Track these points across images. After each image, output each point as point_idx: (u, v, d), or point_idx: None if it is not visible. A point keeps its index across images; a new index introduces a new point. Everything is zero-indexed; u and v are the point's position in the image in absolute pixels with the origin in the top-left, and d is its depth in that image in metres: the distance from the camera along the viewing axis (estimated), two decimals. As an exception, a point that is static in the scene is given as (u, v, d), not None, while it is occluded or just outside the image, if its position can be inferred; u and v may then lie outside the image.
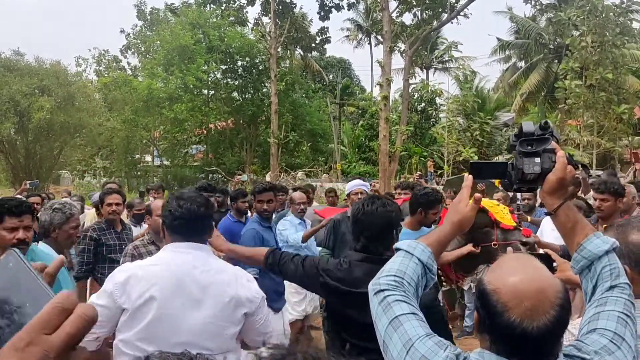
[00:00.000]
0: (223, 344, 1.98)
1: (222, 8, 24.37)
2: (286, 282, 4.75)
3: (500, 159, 19.64)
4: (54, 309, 0.56)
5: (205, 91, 24.01)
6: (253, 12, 78.52)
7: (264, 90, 24.58)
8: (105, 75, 25.19)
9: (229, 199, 6.56)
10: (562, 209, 1.39)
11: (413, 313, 1.28)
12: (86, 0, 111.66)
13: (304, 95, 26.63)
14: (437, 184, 16.05)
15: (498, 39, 27.54)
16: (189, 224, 2.02)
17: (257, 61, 24.14)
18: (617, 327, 1.22)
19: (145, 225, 4.31)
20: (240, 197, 4.94)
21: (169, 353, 0.73)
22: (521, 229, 3.73)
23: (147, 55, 25.76)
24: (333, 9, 22.77)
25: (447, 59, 34.55)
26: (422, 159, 24.10)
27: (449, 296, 5.17)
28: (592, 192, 3.97)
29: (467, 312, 5.46)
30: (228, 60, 23.48)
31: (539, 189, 1.44)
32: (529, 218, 5.18)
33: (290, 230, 4.77)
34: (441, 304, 4.35)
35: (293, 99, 24.52)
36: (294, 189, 6.68)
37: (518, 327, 1.08)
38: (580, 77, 18.04)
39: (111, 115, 24.11)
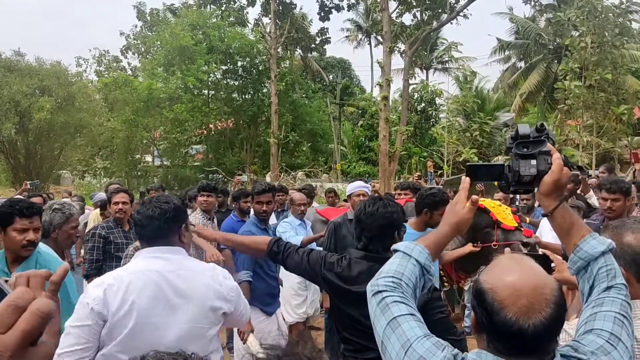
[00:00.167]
0: (205, 346, 1.99)
1: (222, 9, 24.38)
2: (287, 285, 4.77)
3: (500, 159, 19.65)
4: (7, 308, 0.54)
5: (206, 91, 24.02)
6: (253, 12, 78.57)
7: (264, 90, 24.59)
8: (106, 75, 25.17)
9: (229, 198, 6.61)
10: (558, 211, 1.40)
11: (411, 314, 1.29)
12: (86, 0, 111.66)
13: (304, 95, 26.65)
14: (437, 184, 16.05)
15: (498, 39, 27.57)
16: (150, 229, 1.99)
17: (257, 61, 24.14)
18: (614, 327, 1.23)
19: None
20: (242, 197, 4.98)
21: (164, 353, 0.74)
22: (522, 229, 3.72)
23: (147, 56, 25.76)
24: (333, 10, 22.80)
25: (446, 59, 34.56)
26: (422, 159, 24.11)
27: (448, 296, 5.18)
28: (602, 193, 3.93)
29: (466, 312, 5.46)
30: (228, 60, 23.49)
31: (536, 191, 1.46)
32: (527, 219, 5.18)
33: (290, 233, 4.74)
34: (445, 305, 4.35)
35: (293, 99, 24.53)
36: (298, 190, 6.70)
37: (514, 324, 1.10)
38: (579, 77, 18.05)
39: (111, 115, 24.10)
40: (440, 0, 18.56)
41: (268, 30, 22.69)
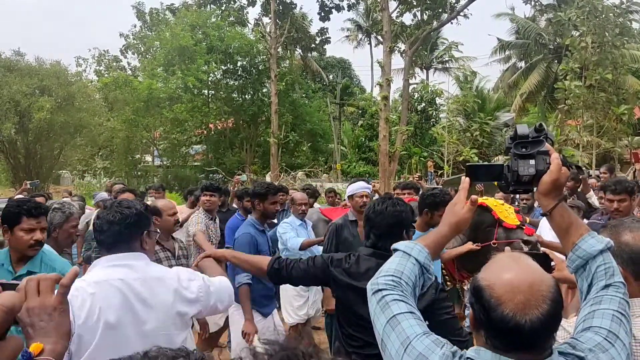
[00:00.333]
0: None
1: (222, 9, 24.39)
2: (288, 286, 4.76)
3: (500, 159, 19.67)
4: None
5: (206, 91, 24.02)
6: (253, 12, 78.60)
7: (264, 90, 24.59)
8: (106, 75, 25.19)
9: (229, 198, 6.62)
10: (557, 210, 1.42)
11: (410, 312, 1.30)
12: (86, 0, 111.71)
13: (304, 95, 26.65)
14: (437, 184, 16.06)
15: (498, 39, 27.59)
16: (110, 234, 1.91)
17: (257, 61, 24.15)
18: (612, 325, 1.24)
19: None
20: (246, 196, 4.99)
21: (166, 349, 0.75)
22: (524, 227, 3.72)
23: (147, 56, 25.78)
24: (333, 10, 22.80)
25: (447, 59, 34.56)
26: (422, 159, 24.13)
27: (449, 295, 5.18)
28: (607, 195, 3.95)
29: (466, 311, 5.47)
30: (228, 60, 23.49)
31: (535, 190, 1.47)
32: (527, 218, 5.19)
33: (290, 234, 4.72)
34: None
35: (293, 99, 24.53)
36: (303, 189, 6.70)
37: (511, 320, 1.11)
38: (580, 77, 18.06)
39: (111, 115, 24.12)
40: (440, 0, 18.56)
41: (268, 30, 22.69)
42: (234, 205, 6.81)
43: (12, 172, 22.17)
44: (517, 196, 6.57)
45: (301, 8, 26.57)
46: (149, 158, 26.82)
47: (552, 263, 1.99)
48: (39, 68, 22.07)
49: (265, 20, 23.61)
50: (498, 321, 1.13)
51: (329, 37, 26.38)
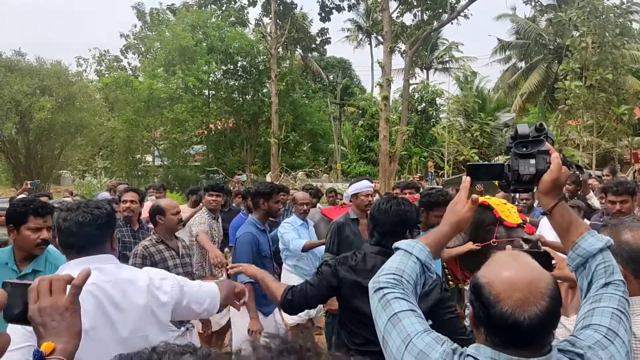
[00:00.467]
0: None
1: (223, 9, 24.39)
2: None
3: (501, 159, 19.66)
4: None
5: (206, 91, 24.02)
6: (254, 12, 78.56)
7: (265, 90, 24.59)
8: (107, 75, 25.20)
9: (230, 198, 6.64)
10: (557, 209, 1.43)
11: (411, 310, 1.32)
12: (87, 0, 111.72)
13: (304, 95, 26.64)
14: (438, 184, 16.07)
15: (498, 39, 27.60)
16: (80, 236, 1.82)
17: (258, 61, 24.16)
18: (611, 322, 1.25)
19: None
20: (249, 196, 5.02)
21: (174, 344, 0.76)
22: (525, 226, 3.73)
23: (147, 56, 25.79)
24: (334, 10, 22.82)
25: (447, 59, 34.58)
26: (422, 159, 24.13)
27: (450, 295, 5.18)
28: (608, 196, 3.97)
29: (467, 311, 5.48)
30: (228, 60, 23.50)
31: (535, 189, 1.48)
32: (528, 218, 5.19)
33: (292, 235, 4.72)
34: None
35: (293, 99, 24.52)
36: (307, 189, 6.71)
37: (510, 317, 1.13)
38: (580, 77, 18.06)
39: (112, 115, 24.12)
40: (440, 0, 18.57)
41: (268, 30, 22.69)
42: (234, 205, 6.84)
43: (13, 172, 22.18)
44: (517, 196, 6.59)
45: (302, 8, 26.52)
46: (149, 158, 26.83)
47: (553, 261, 2.00)
48: (40, 68, 22.07)
49: (266, 20, 23.65)
50: (497, 318, 1.14)
51: (330, 38, 26.41)
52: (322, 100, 28.21)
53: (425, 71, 34.69)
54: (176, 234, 3.91)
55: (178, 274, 3.67)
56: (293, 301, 2.36)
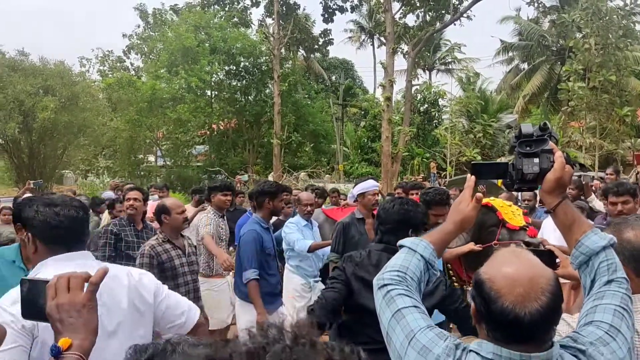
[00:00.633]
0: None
1: (226, 9, 24.43)
2: (290, 287, 4.78)
3: (503, 160, 19.62)
4: None
5: (209, 92, 24.06)
6: (256, 13, 78.71)
7: (267, 91, 24.62)
8: (110, 75, 25.26)
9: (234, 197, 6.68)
10: (560, 207, 1.44)
11: (415, 306, 1.33)
12: (90, 1, 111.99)
13: (306, 96, 26.65)
14: (440, 185, 16.06)
15: (501, 40, 27.59)
16: (70, 231, 1.77)
17: (260, 62, 24.19)
18: (614, 319, 1.27)
19: None
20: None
21: (187, 337, 0.78)
22: (527, 229, 3.72)
23: (150, 57, 25.85)
24: (337, 11, 22.84)
25: (450, 60, 34.59)
26: (425, 160, 24.11)
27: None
28: (610, 197, 3.96)
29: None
30: (231, 61, 23.54)
31: (539, 188, 1.49)
32: (529, 220, 5.19)
33: (296, 235, 4.71)
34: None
35: (296, 100, 24.54)
36: (311, 190, 6.72)
37: (511, 312, 1.14)
38: (583, 79, 18.03)
39: (115, 115, 24.17)
40: (443, 2, 18.58)
41: (271, 31, 22.73)
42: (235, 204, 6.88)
43: (16, 172, 22.22)
44: (520, 197, 6.59)
45: (304, 9, 26.55)
46: (151, 158, 26.87)
47: (557, 260, 2.02)
48: (43, 68, 22.12)
49: (269, 21, 23.68)
50: (498, 314, 1.16)
51: (332, 38, 26.43)
52: (325, 101, 28.22)
53: (427, 72, 34.71)
54: (183, 232, 3.93)
55: (184, 272, 3.71)
56: (322, 310, 2.35)
